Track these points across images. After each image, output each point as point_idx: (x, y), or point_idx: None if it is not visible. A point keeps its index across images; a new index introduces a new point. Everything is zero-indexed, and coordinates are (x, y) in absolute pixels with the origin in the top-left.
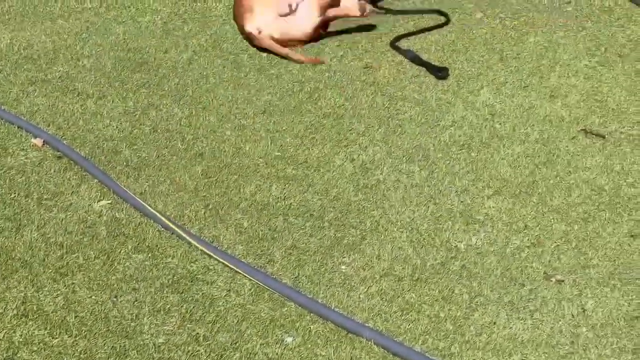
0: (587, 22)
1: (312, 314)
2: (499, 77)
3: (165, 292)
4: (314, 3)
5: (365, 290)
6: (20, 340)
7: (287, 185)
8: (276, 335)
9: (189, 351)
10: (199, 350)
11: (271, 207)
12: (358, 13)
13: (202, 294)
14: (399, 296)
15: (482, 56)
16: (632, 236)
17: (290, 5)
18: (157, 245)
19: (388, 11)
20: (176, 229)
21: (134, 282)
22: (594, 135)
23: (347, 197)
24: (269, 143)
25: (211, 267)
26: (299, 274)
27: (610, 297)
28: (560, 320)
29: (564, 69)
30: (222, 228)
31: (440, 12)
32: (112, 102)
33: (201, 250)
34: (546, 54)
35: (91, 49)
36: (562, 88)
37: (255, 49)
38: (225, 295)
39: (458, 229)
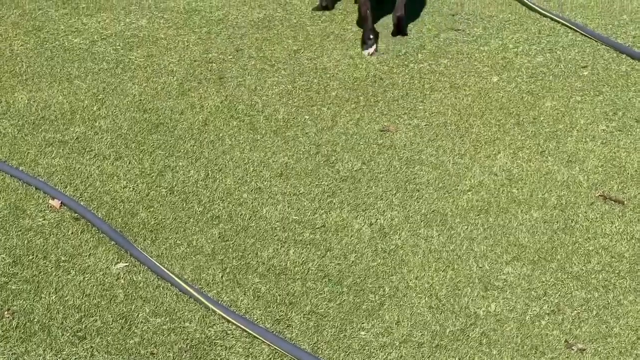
0: (603, 86)
1: None
2: (515, 141)
3: (183, 357)
4: None
5: (385, 357)
6: None
7: (304, 250)
8: None
9: None
10: None
11: (289, 271)
12: None
13: (220, 359)
14: None
15: (499, 120)
16: None
17: None
18: (174, 309)
19: None
20: (194, 292)
21: (152, 346)
22: (612, 201)
23: (366, 262)
24: (286, 207)
25: (229, 332)
26: (317, 339)
27: None
28: None
29: (581, 133)
30: (240, 292)
31: None
32: (129, 163)
33: (219, 314)
34: (563, 118)
35: (108, 109)
36: (580, 153)
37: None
38: None
39: (477, 295)
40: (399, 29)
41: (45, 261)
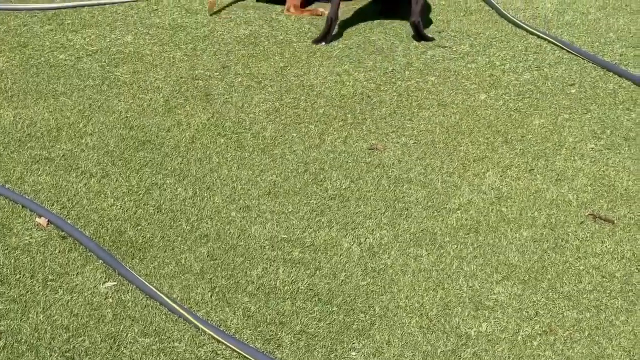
0: (591, 104)
1: None
2: (504, 159)
3: None
4: None
5: None
6: None
7: (294, 269)
8: None
9: None
10: None
11: (278, 290)
12: None
13: None
14: None
15: (487, 138)
16: None
17: None
18: (163, 329)
19: None
20: (183, 312)
21: None
22: (602, 220)
23: (356, 281)
24: (275, 225)
25: (219, 352)
26: (308, 359)
27: None
28: None
29: (570, 152)
30: (230, 312)
31: None
32: (116, 181)
33: (209, 334)
34: (551, 136)
35: (94, 126)
36: (569, 171)
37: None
38: None
39: (468, 315)
40: (419, 35)
41: (32, 280)
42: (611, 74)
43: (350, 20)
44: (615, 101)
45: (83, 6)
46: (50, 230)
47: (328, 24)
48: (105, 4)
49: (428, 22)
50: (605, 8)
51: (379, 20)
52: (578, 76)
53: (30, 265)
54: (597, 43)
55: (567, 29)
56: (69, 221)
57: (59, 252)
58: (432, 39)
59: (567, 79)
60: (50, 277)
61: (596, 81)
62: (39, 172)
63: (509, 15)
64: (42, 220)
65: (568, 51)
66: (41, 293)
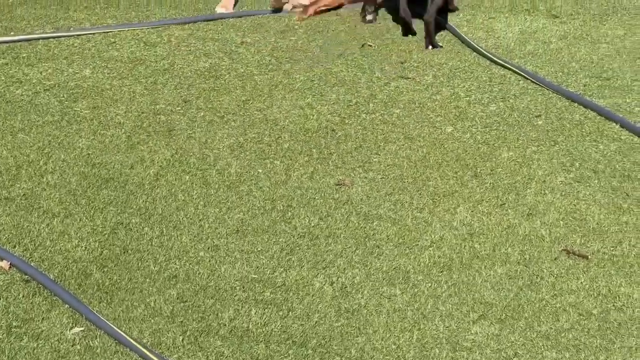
0: (558, 136)
1: None
2: (474, 194)
3: None
4: None
5: None
6: None
7: (266, 310)
8: None
9: None
10: None
11: (251, 333)
12: None
13: None
14: None
15: (456, 172)
16: None
17: None
18: None
19: None
20: (154, 358)
21: None
22: (576, 256)
23: (329, 323)
24: (245, 265)
25: None
26: None
27: None
28: None
29: (540, 185)
30: (202, 357)
31: None
32: (80, 220)
33: None
34: (520, 170)
35: (55, 164)
36: (540, 206)
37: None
38: None
39: (446, 356)
40: (428, 35)
41: None
42: (576, 104)
43: (312, 52)
44: (582, 133)
45: (38, 39)
46: (12, 273)
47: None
48: (60, 36)
49: (390, 53)
50: (566, 37)
51: (339, 51)
52: (544, 107)
53: None
54: (560, 73)
55: (530, 59)
56: (32, 263)
57: (23, 296)
58: (439, 47)
59: (533, 110)
60: (14, 323)
61: (562, 112)
62: None
63: (473, 43)
64: (4, 264)
65: (533, 81)
66: (5, 340)
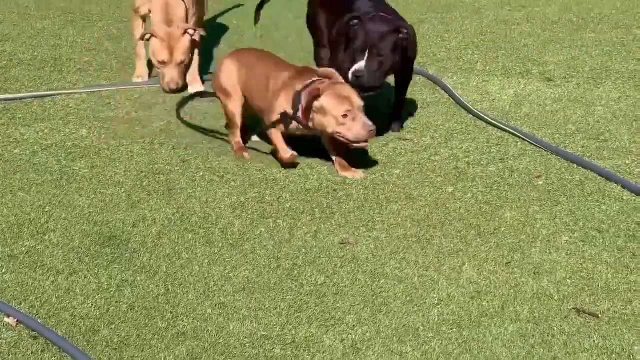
0: (560, 196)
1: None
2: (479, 253)
3: None
4: None
5: None
6: None
7: None
8: None
9: None
10: None
11: None
12: None
13: None
14: None
15: (460, 231)
16: None
17: None
18: None
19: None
20: None
21: None
22: (587, 315)
23: None
24: (254, 322)
25: None
26: None
27: None
28: None
29: (545, 244)
30: None
31: None
32: (85, 278)
33: None
34: (524, 229)
35: (56, 222)
36: (546, 264)
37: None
38: None
39: None
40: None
41: None
42: (575, 165)
43: None
44: (584, 193)
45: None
46: (20, 330)
47: None
48: (54, 95)
49: (387, 115)
50: (561, 100)
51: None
52: (544, 168)
53: None
54: (557, 135)
55: (527, 121)
56: (39, 320)
57: (32, 353)
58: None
59: (533, 170)
60: None
61: (562, 173)
62: (3, 270)
63: (469, 106)
64: (11, 320)
65: (531, 143)
66: None
